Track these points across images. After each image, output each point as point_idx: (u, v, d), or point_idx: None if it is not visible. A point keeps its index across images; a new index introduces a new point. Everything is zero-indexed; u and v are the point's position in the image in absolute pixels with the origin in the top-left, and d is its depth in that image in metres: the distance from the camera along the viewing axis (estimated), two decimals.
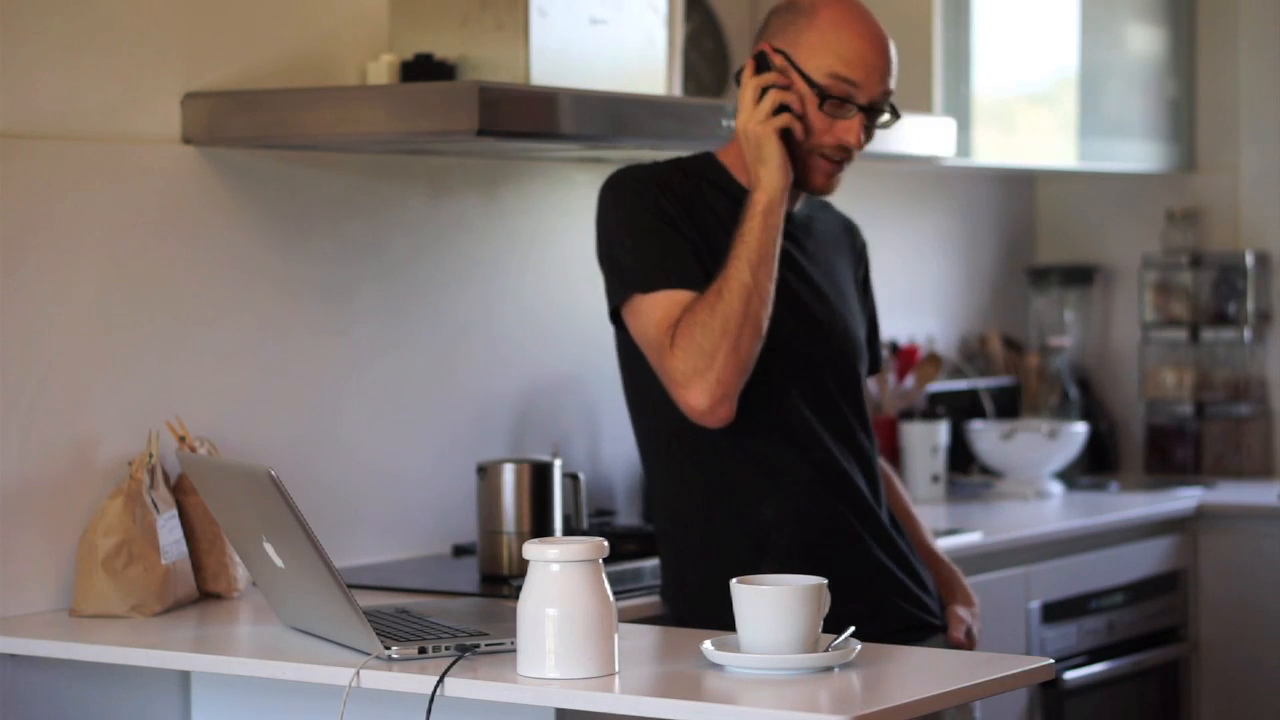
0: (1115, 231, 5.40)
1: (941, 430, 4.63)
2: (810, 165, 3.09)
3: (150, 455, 3.15)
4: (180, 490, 3.22)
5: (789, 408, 3.14)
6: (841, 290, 3.24)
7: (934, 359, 4.79)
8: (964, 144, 4.43)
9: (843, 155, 3.10)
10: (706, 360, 3.00)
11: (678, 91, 3.77)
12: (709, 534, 3.16)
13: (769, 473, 3.14)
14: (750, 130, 3.05)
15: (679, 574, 3.20)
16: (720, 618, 2.72)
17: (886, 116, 3.13)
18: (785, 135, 3.06)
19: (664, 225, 3.09)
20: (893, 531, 3.23)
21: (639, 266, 3.09)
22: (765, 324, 3.03)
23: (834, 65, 3.06)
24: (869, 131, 3.12)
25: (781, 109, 3.06)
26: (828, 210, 3.34)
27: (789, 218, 3.14)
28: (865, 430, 3.24)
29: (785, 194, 3.06)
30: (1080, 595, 4.34)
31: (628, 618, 3.08)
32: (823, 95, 3.06)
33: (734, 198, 3.12)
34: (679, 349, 3.01)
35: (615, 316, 3.13)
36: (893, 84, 3.12)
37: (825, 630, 2.62)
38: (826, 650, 2.58)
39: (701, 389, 3.01)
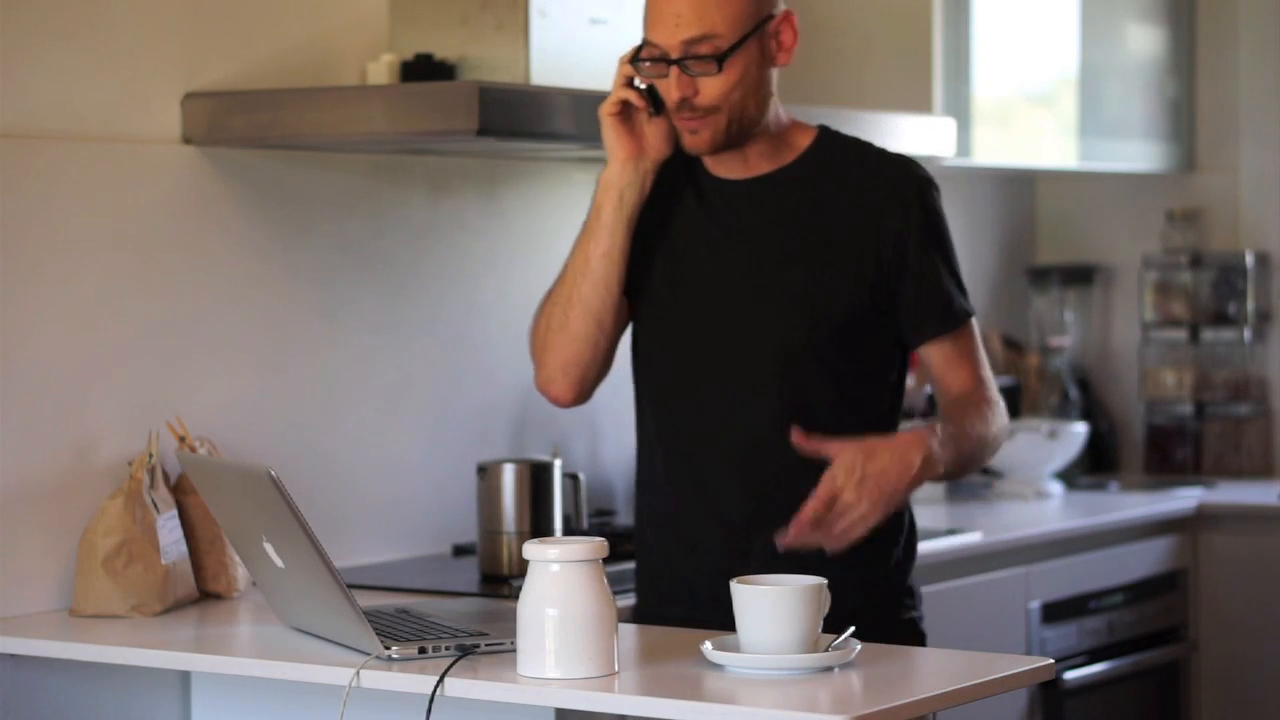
0: (1115, 231, 5.40)
1: None
2: (678, 129, 2.99)
3: (150, 455, 3.15)
4: (180, 490, 3.22)
5: (664, 394, 3.09)
6: (778, 263, 3.00)
7: None
8: (964, 144, 4.42)
9: (689, 114, 2.94)
10: (539, 341, 3.08)
11: None
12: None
13: (650, 460, 3.11)
14: (599, 115, 3.01)
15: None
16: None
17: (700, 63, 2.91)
18: (661, 106, 2.98)
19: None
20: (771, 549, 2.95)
21: None
22: (591, 302, 3.01)
23: (645, 31, 2.96)
24: (695, 84, 2.91)
25: (641, 87, 2.99)
26: (867, 165, 3.04)
27: (735, 185, 3.04)
28: (768, 425, 2.99)
29: (629, 174, 2.99)
30: (1080, 595, 4.34)
31: (628, 618, 3.08)
32: (635, 62, 2.96)
33: (690, 182, 3.09)
34: (531, 332, 3.11)
35: None
36: (702, 28, 2.89)
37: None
38: (826, 650, 2.58)
39: (537, 369, 3.09)
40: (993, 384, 3.10)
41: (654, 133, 3.00)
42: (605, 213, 3.01)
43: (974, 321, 3.09)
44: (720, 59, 2.91)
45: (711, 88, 2.92)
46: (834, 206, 3.02)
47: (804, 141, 3.06)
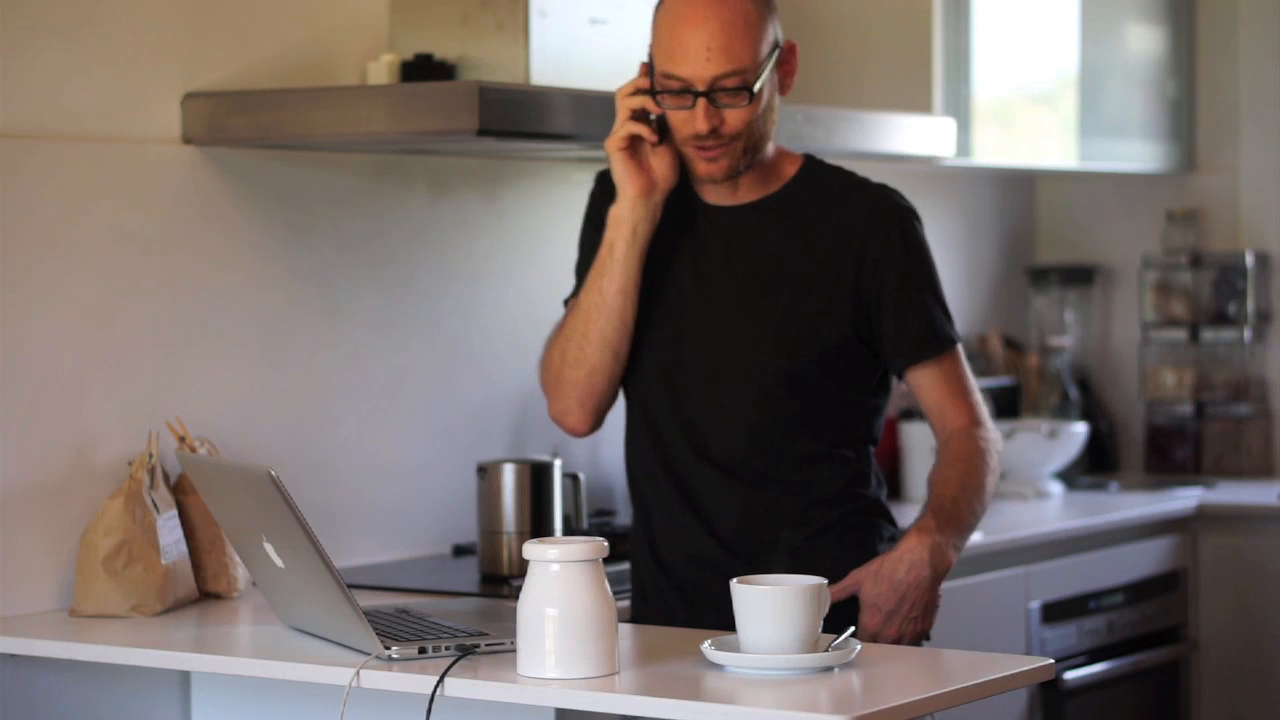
0: (1115, 231, 5.40)
1: None
2: (687, 156, 2.99)
3: (150, 455, 3.15)
4: (180, 490, 3.22)
5: (653, 417, 3.11)
6: (762, 290, 3.03)
7: None
8: (964, 144, 4.42)
9: (710, 142, 2.95)
10: (553, 375, 3.10)
11: None
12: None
13: (644, 478, 3.13)
14: (606, 149, 3.01)
15: None
16: None
17: (734, 94, 2.93)
18: (664, 135, 2.99)
19: (593, 231, 3.11)
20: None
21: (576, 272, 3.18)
22: (608, 336, 3.02)
23: (662, 61, 2.95)
24: (721, 114, 2.93)
25: (650, 117, 2.99)
26: (849, 195, 3.06)
27: (723, 211, 3.06)
28: (756, 448, 3.03)
29: (640, 209, 2.99)
30: (1080, 595, 4.34)
31: (628, 618, 3.08)
32: (654, 94, 2.96)
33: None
34: (541, 364, 3.12)
35: None
36: (732, 64, 2.90)
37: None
38: (826, 650, 2.58)
39: (551, 401, 3.12)
40: (983, 407, 3.10)
41: (660, 164, 3.01)
42: (618, 248, 3.02)
43: (960, 348, 3.09)
44: (753, 90, 2.92)
45: (737, 118, 2.95)
46: (816, 235, 3.03)
47: (790, 170, 3.08)
